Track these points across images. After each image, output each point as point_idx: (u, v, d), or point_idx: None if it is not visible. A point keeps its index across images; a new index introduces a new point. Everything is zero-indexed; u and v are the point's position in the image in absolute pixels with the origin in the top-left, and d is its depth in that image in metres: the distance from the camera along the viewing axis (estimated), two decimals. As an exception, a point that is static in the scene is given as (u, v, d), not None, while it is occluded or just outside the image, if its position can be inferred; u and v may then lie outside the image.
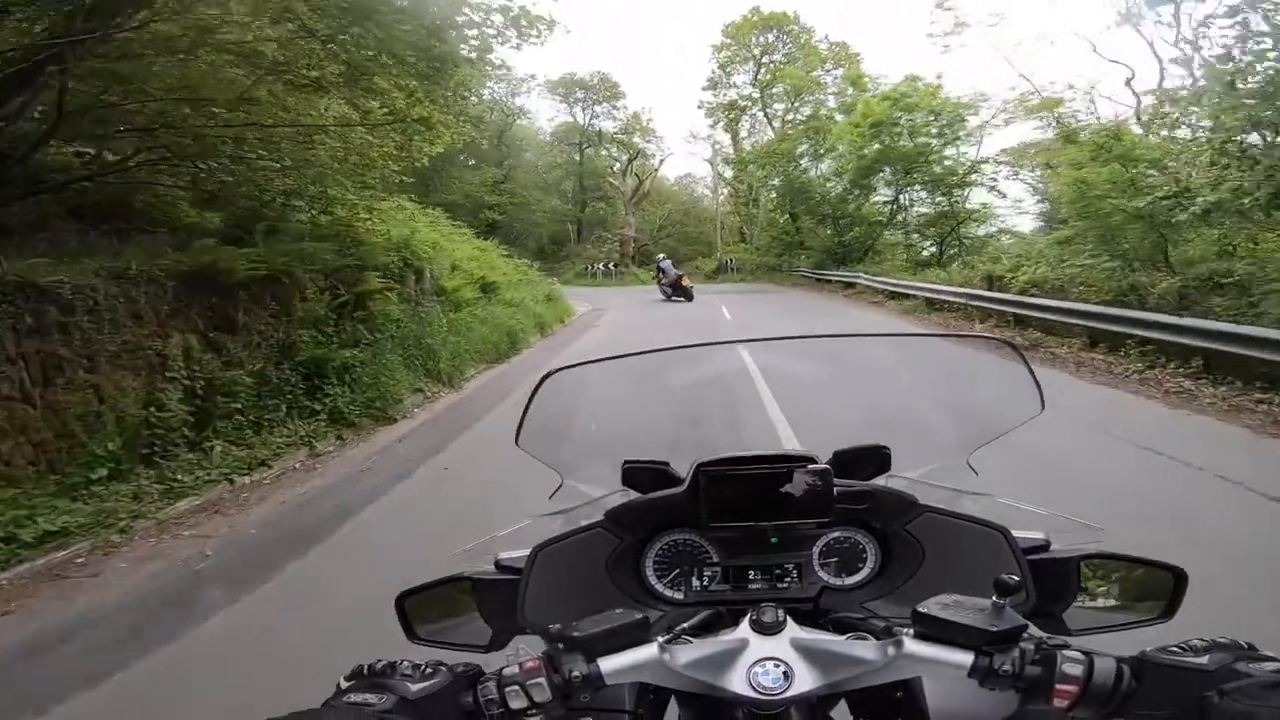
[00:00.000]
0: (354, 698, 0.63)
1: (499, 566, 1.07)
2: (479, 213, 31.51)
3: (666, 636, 0.72)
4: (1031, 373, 1.12)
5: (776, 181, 32.52)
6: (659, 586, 1.05)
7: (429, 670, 0.68)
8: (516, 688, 0.66)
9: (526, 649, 0.91)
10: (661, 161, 43.83)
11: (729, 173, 40.52)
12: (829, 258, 26.54)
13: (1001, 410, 1.21)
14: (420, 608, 1.05)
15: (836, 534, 1.05)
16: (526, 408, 1.14)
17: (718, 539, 1.05)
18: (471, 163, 34.17)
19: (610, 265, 36.19)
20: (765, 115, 37.71)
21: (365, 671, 0.68)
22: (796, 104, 35.35)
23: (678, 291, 21.67)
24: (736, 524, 1.01)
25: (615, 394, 1.42)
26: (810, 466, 0.99)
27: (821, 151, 29.12)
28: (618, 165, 42.55)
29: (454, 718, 0.66)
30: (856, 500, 1.03)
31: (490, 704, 0.66)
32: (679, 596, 1.04)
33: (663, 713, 0.86)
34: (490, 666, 0.71)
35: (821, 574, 1.05)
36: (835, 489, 0.99)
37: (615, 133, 42.13)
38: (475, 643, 1.03)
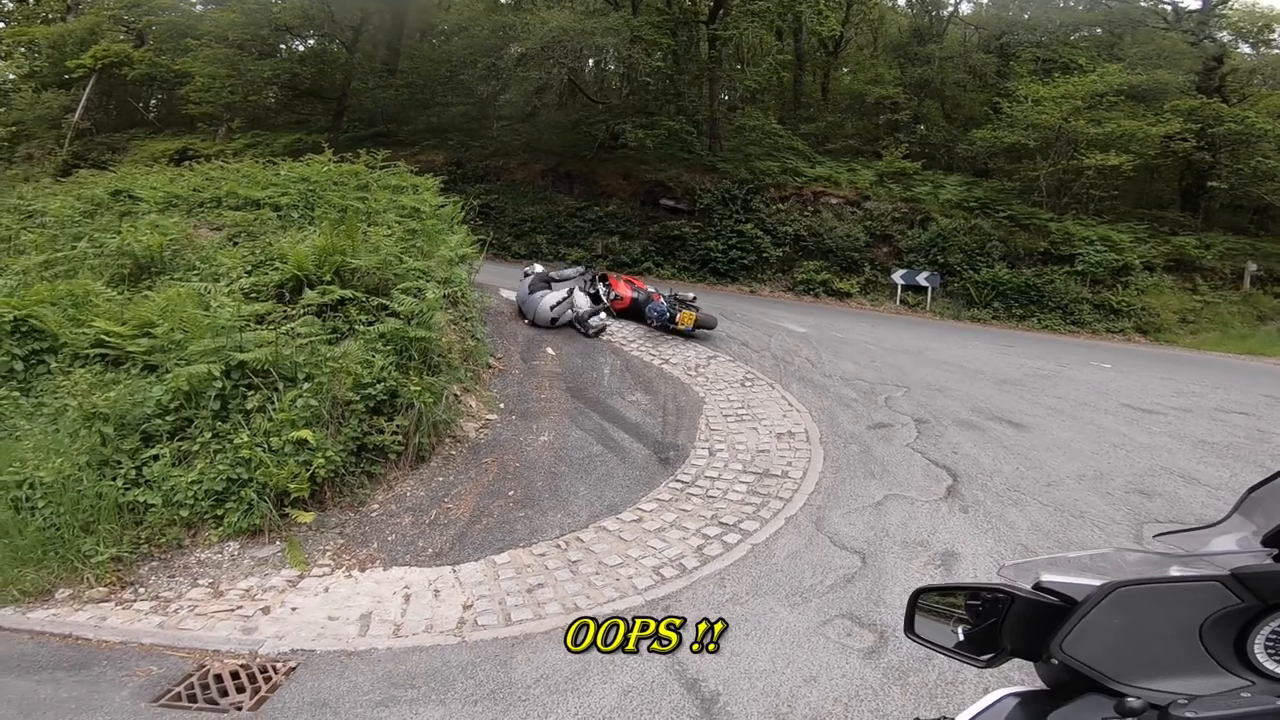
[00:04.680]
0: None
1: (1039, 587, 1.00)
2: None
3: None
4: None
5: None
6: (1267, 662, 0.94)
7: None
8: None
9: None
10: None
11: None
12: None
13: None
14: (930, 606, 1.05)
15: None
16: None
17: None
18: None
19: None
20: None
21: None
22: None
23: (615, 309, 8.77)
24: None
25: None
26: None
27: None
28: None
29: None
30: None
31: None
32: None
33: None
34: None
35: None
36: None
37: None
38: (970, 653, 1.01)
